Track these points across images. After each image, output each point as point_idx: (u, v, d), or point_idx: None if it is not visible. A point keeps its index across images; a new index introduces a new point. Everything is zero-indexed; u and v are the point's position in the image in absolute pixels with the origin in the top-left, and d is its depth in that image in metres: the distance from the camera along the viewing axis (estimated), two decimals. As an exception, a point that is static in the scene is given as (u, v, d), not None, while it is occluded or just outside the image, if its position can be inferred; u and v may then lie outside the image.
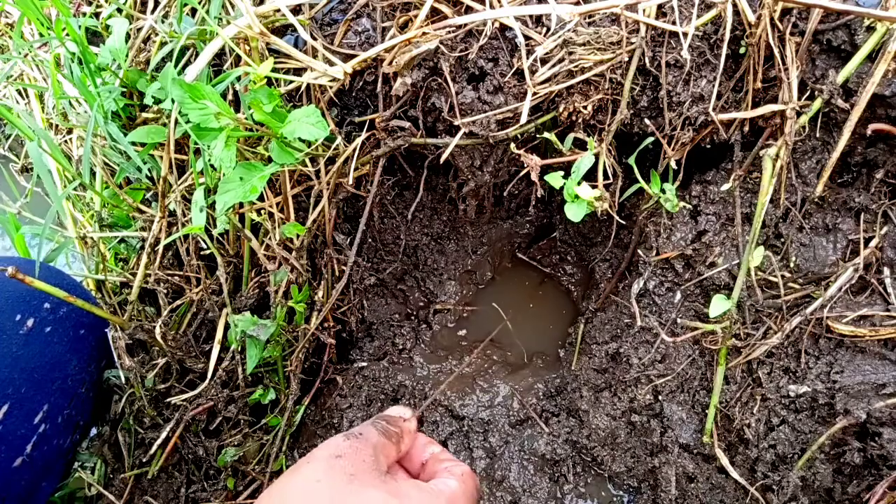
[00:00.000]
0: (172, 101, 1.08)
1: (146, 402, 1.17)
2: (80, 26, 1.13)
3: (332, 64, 1.06)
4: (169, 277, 1.22)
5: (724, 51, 1.03)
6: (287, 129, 0.95)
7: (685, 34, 1.01)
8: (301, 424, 1.32)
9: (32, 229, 1.33)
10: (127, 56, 1.21)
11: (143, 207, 1.25)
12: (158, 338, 1.13)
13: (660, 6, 1.03)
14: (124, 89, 1.20)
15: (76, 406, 1.09)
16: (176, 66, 1.13)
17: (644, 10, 1.02)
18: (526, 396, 1.35)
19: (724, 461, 1.13)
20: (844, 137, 1.00)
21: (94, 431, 1.27)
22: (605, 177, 1.15)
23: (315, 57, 1.08)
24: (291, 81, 1.11)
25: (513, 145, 1.14)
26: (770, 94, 1.06)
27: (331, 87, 1.13)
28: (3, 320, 0.99)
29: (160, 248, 1.20)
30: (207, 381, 1.16)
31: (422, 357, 1.41)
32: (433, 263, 1.51)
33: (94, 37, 1.36)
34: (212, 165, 1.05)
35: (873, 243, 1.05)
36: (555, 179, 1.14)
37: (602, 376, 1.28)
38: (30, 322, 1.01)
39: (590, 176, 1.13)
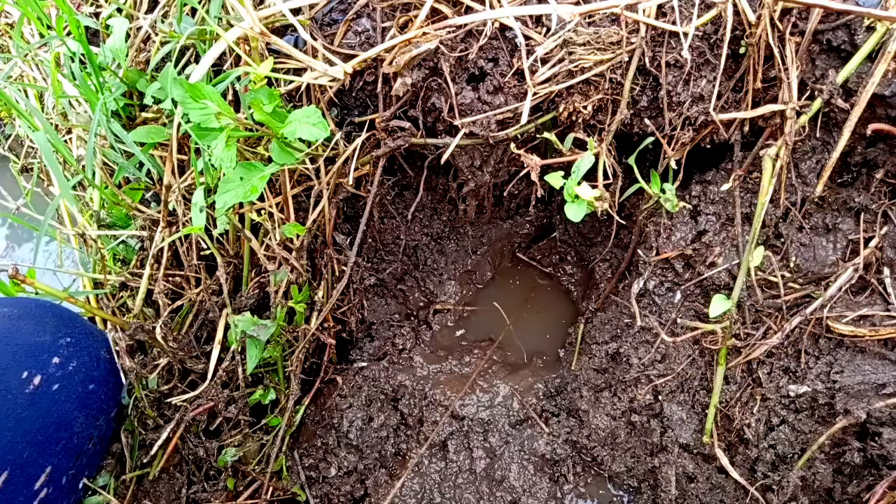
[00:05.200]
0: (173, 101, 1.08)
1: (147, 404, 1.17)
2: (80, 25, 1.12)
3: (332, 64, 1.06)
4: (169, 278, 1.21)
5: (724, 51, 1.03)
6: (287, 130, 0.95)
7: (685, 34, 1.01)
8: (301, 424, 1.32)
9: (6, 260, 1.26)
10: (127, 56, 1.21)
11: (141, 207, 1.25)
12: (159, 338, 1.13)
13: (660, 6, 1.03)
14: (125, 89, 1.20)
15: (82, 464, 1.04)
16: (176, 66, 1.13)
17: (644, 11, 1.02)
18: (526, 396, 1.35)
19: (724, 461, 1.13)
20: (844, 137, 1.00)
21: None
22: (605, 177, 1.15)
23: (315, 57, 1.07)
24: (291, 81, 1.11)
25: (513, 145, 1.14)
26: (770, 94, 1.06)
27: (331, 87, 1.13)
28: (8, 378, 0.93)
29: (164, 255, 1.19)
30: (208, 381, 1.16)
31: (422, 357, 1.41)
32: (433, 263, 1.52)
33: (93, 37, 1.36)
34: (212, 165, 1.05)
35: (873, 243, 1.05)
36: (555, 179, 1.14)
37: (602, 376, 1.28)
38: (37, 380, 0.96)
39: (590, 176, 1.13)
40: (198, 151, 1.09)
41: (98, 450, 1.09)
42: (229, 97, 1.14)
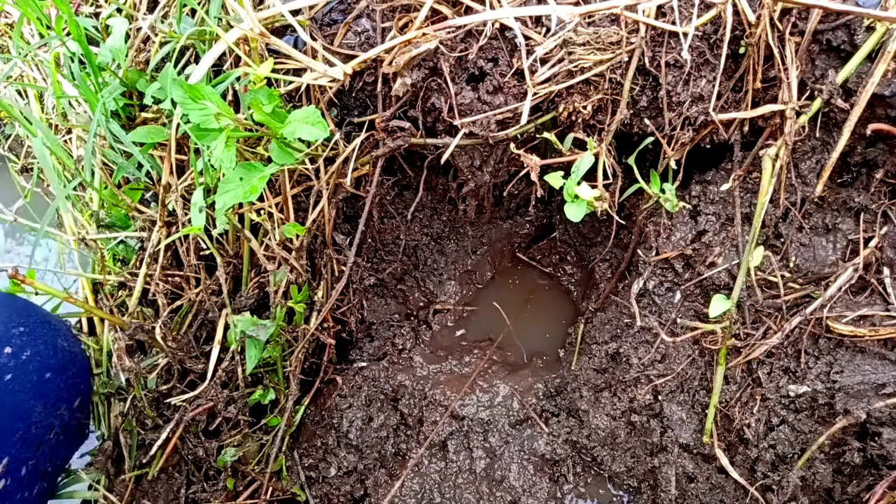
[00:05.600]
0: (172, 101, 1.08)
1: (147, 404, 1.17)
2: (80, 26, 1.12)
3: (331, 64, 1.06)
4: (168, 278, 1.21)
5: (724, 51, 1.03)
6: (287, 130, 0.95)
7: (685, 34, 1.01)
8: (301, 424, 1.32)
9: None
10: (126, 56, 1.21)
11: (141, 207, 1.25)
12: (159, 338, 1.13)
13: (659, 6, 1.03)
14: (124, 89, 1.20)
15: (43, 454, 1.02)
16: (175, 66, 1.13)
17: (644, 11, 1.02)
18: (526, 396, 1.35)
19: (724, 461, 1.13)
20: (844, 137, 0.99)
21: (95, 444, 1.26)
22: (605, 177, 1.15)
23: (315, 58, 1.07)
24: (291, 82, 1.11)
25: (512, 145, 1.14)
26: (770, 94, 1.06)
27: (330, 88, 1.13)
28: None
29: (160, 254, 1.19)
30: (207, 381, 1.16)
31: (421, 357, 1.41)
32: (433, 263, 1.51)
33: (94, 37, 1.35)
34: (212, 165, 1.05)
35: (873, 243, 1.05)
36: (555, 179, 1.14)
37: (602, 376, 1.28)
38: None
39: (589, 176, 1.13)
40: (197, 152, 1.09)
41: (63, 440, 1.08)
42: (229, 97, 1.14)
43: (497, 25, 1.06)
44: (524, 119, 1.08)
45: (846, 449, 1.02)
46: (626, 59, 1.05)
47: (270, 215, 1.16)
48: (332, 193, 1.19)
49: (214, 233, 1.15)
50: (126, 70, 1.18)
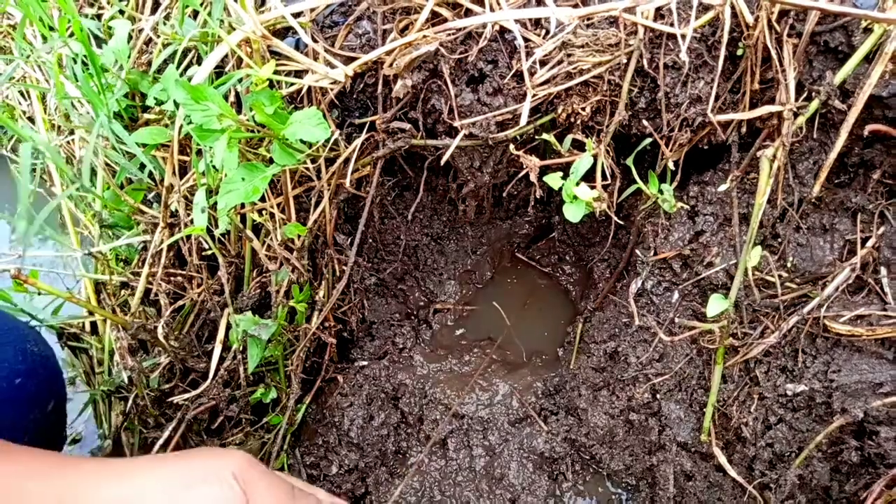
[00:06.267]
0: (175, 103, 1.08)
1: (149, 402, 1.18)
2: (83, 28, 1.13)
3: (333, 66, 1.07)
4: (171, 278, 1.22)
5: (722, 52, 1.04)
6: (288, 131, 0.96)
7: (683, 36, 1.02)
8: (302, 423, 1.33)
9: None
10: (129, 57, 1.21)
11: (143, 208, 1.25)
12: (161, 338, 1.13)
13: (658, 8, 1.04)
14: (127, 90, 1.21)
15: None
16: (178, 67, 1.14)
17: (642, 13, 1.03)
18: (525, 395, 1.36)
19: (722, 459, 1.14)
20: (841, 138, 1.00)
21: (96, 444, 1.27)
22: (604, 177, 1.16)
23: (316, 59, 1.08)
24: (293, 83, 1.11)
25: (512, 146, 1.15)
26: (767, 95, 1.06)
27: (332, 89, 1.13)
28: None
29: (162, 254, 1.20)
30: (209, 380, 1.17)
31: (422, 356, 1.42)
32: (433, 263, 1.52)
33: (96, 38, 1.36)
34: (214, 166, 1.06)
35: (870, 243, 1.06)
36: (553, 180, 1.15)
37: (600, 375, 1.29)
38: None
39: (588, 177, 1.14)
40: (199, 153, 1.10)
41: (37, 443, 1.06)
42: (231, 99, 1.15)
43: (497, 28, 1.07)
44: (523, 120, 1.08)
45: (844, 447, 1.03)
46: (625, 60, 1.06)
47: (272, 216, 1.16)
48: (333, 194, 1.19)
49: (216, 233, 1.16)
50: (129, 71, 1.18)
